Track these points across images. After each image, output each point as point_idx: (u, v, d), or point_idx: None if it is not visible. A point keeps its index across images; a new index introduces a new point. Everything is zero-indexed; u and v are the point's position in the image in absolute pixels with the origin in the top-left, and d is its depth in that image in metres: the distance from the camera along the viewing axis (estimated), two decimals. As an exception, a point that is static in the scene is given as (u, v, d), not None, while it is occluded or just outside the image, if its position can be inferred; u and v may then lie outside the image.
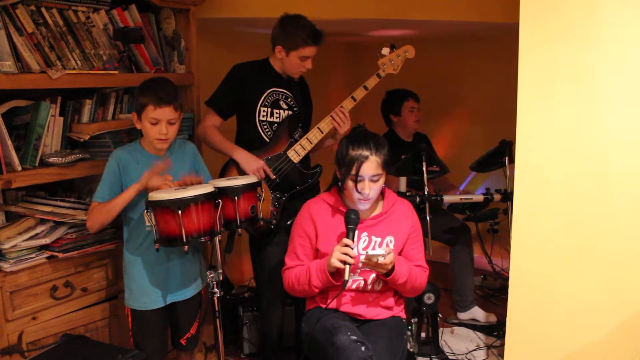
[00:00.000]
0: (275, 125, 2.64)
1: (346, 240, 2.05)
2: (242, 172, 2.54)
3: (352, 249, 2.05)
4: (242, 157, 2.54)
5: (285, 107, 2.66)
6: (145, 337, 2.25)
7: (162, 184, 2.07)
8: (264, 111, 2.61)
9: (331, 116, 2.62)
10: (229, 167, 2.59)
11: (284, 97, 2.65)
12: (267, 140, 2.62)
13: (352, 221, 2.10)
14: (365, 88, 2.66)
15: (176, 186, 2.07)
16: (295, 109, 2.68)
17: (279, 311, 2.73)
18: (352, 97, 2.65)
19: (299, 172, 2.64)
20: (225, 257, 2.65)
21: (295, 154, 2.61)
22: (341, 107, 2.64)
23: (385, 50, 2.73)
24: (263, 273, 2.68)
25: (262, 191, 2.47)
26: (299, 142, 2.62)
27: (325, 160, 2.72)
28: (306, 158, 2.67)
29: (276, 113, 2.64)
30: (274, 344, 2.76)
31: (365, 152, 2.11)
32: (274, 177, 2.56)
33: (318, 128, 2.62)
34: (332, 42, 4.62)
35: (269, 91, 2.62)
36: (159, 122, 2.11)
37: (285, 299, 2.78)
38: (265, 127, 2.63)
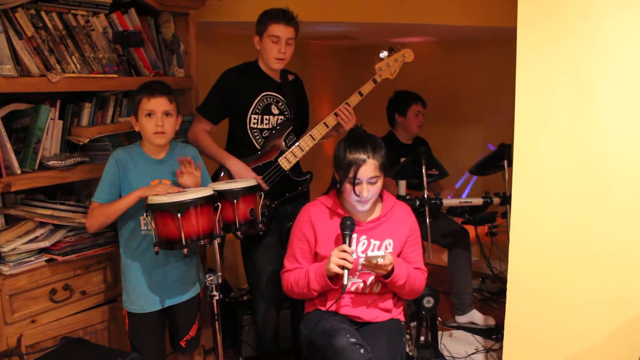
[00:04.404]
0: (266, 131, 2.62)
1: (343, 246, 2.06)
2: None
3: (350, 254, 2.05)
4: (235, 167, 2.52)
5: (276, 112, 2.64)
6: (141, 339, 2.25)
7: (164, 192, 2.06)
8: (254, 118, 2.59)
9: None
10: (221, 175, 2.57)
11: (275, 100, 2.64)
12: (258, 147, 2.61)
13: (347, 227, 2.10)
14: (360, 94, 2.65)
15: (175, 190, 2.08)
16: (286, 113, 2.67)
17: (274, 314, 2.72)
18: (347, 103, 2.63)
19: (290, 180, 2.64)
20: (224, 261, 2.65)
21: (286, 162, 2.60)
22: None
23: (383, 54, 2.70)
24: (255, 275, 2.67)
25: (259, 198, 2.48)
26: (290, 150, 2.60)
27: (318, 164, 2.71)
28: (297, 163, 2.65)
29: (266, 119, 2.62)
30: (270, 347, 2.76)
31: (363, 156, 2.11)
32: (265, 187, 2.55)
33: (310, 135, 2.61)
34: (330, 46, 4.65)
35: (261, 96, 2.59)
36: (154, 114, 2.12)
37: (282, 301, 2.78)
38: (256, 134, 2.61)
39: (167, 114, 2.14)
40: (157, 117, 2.12)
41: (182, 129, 2.28)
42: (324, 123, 2.61)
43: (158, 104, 2.11)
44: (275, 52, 2.54)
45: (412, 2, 3.25)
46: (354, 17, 3.22)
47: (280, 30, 2.51)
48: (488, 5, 3.24)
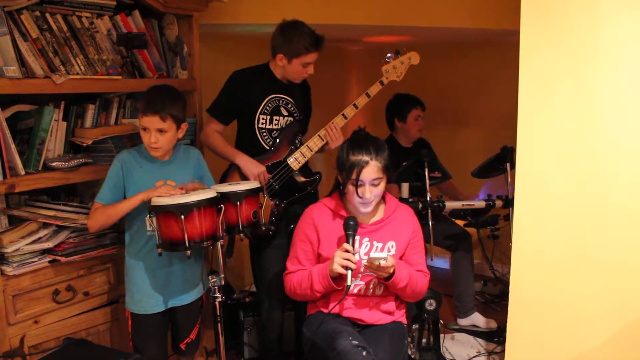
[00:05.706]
0: (275, 132, 2.64)
1: (346, 246, 2.06)
2: (244, 177, 2.54)
3: (353, 254, 2.05)
4: (244, 161, 2.54)
5: (285, 113, 2.66)
6: (144, 340, 2.26)
7: (167, 194, 2.07)
8: (262, 119, 2.61)
9: (326, 129, 2.62)
10: (231, 172, 2.59)
11: (284, 102, 2.65)
12: (267, 147, 2.63)
13: (350, 227, 2.11)
14: (368, 95, 2.66)
15: (178, 192, 2.08)
16: (295, 115, 2.69)
17: (279, 315, 2.73)
18: (354, 105, 2.65)
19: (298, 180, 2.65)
20: (227, 262, 2.66)
21: (295, 162, 2.62)
22: (338, 121, 2.63)
23: (389, 57, 2.73)
24: (262, 276, 2.68)
25: (264, 198, 2.49)
26: (299, 150, 2.62)
27: (327, 165, 2.72)
28: (306, 164, 2.67)
29: (275, 120, 2.64)
30: (274, 348, 2.76)
31: (366, 158, 2.11)
32: (273, 184, 2.57)
33: (319, 136, 2.62)
34: (334, 48, 4.65)
35: (269, 97, 2.61)
36: (148, 130, 2.12)
37: (286, 303, 2.78)
38: (265, 134, 2.63)
39: (161, 131, 2.12)
40: (150, 134, 2.11)
41: (187, 130, 2.28)
42: (326, 129, 2.62)
43: (149, 122, 2.10)
44: (304, 73, 2.60)
45: (417, 5, 3.25)
46: (358, 19, 3.23)
47: (315, 57, 2.57)
48: (491, 8, 3.24)
